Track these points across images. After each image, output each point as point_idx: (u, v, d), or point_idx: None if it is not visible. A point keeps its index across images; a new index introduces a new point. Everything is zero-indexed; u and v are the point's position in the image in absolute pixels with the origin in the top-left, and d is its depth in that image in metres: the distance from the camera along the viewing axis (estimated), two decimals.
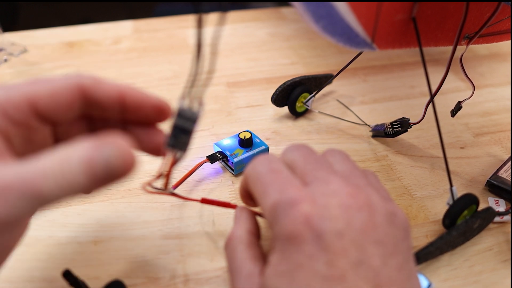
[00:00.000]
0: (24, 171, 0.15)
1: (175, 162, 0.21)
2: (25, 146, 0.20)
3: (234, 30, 0.58)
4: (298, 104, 0.39)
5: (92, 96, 0.20)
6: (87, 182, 0.16)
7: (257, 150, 0.33)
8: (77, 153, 0.16)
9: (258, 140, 0.34)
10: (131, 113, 0.21)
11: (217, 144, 0.34)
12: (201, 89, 0.19)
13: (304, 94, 0.39)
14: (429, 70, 0.27)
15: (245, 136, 0.33)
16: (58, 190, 0.15)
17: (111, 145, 0.16)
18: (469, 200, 0.27)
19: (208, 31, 0.18)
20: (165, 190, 0.23)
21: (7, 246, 0.17)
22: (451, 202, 0.27)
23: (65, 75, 0.20)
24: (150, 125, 0.22)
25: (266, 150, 0.34)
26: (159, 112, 0.22)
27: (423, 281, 0.25)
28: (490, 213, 0.28)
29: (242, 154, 0.33)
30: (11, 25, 0.73)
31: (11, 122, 0.18)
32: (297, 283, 0.18)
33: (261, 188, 0.21)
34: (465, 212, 0.27)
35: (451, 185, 0.28)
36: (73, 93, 0.19)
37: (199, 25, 0.17)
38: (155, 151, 0.23)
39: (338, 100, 0.43)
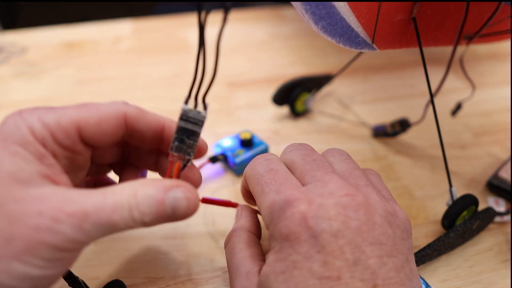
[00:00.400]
0: (101, 202, 0.17)
1: (182, 166, 0.21)
2: (69, 168, 0.20)
3: (234, 30, 0.58)
4: (298, 104, 0.39)
5: (134, 126, 0.21)
6: (154, 219, 0.18)
7: (257, 149, 0.34)
8: (149, 192, 0.18)
9: (258, 140, 0.34)
10: (167, 145, 0.21)
11: (217, 145, 0.34)
12: (205, 90, 0.19)
13: (304, 94, 0.39)
14: (429, 70, 0.27)
15: (245, 137, 0.33)
16: (127, 223, 0.17)
17: (180, 188, 0.18)
18: (468, 201, 0.27)
19: (210, 31, 0.18)
20: None
21: (71, 261, 0.18)
22: (450, 202, 0.27)
23: (111, 103, 0.20)
24: None
25: (266, 149, 0.34)
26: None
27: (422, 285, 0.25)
28: (489, 214, 0.28)
29: (243, 154, 0.33)
30: (11, 25, 0.73)
31: (58, 145, 0.19)
32: (294, 283, 0.18)
33: (259, 187, 0.21)
34: (465, 212, 0.27)
35: (450, 186, 0.28)
36: (118, 122, 0.20)
37: (201, 24, 0.17)
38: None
39: (338, 100, 0.43)
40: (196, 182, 0.23)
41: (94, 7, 0.81)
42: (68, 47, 0.52)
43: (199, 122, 0.20)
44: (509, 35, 0.30)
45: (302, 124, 0.40)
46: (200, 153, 0.23)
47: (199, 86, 0.19)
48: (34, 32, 0.56)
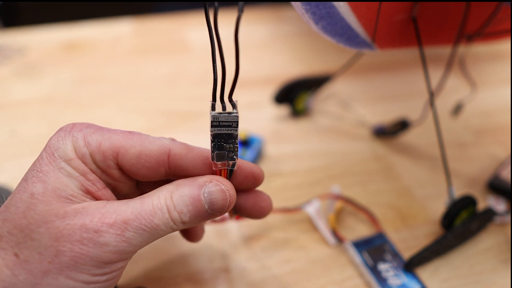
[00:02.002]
0: (139, 207, 0.17)
1: (228, 172, 0.20)
2: (114, 195, 0.20)
3: (234, 30, 0.57)
4: (298, 104, 0.39)
5: (178, 163, 0.20)
6: (192, 217, 0.18)
7: (255, 145, 0.34)
8: (184, 191, 0.18)
9: (251, 136, 0.35)
10: None
11: None
12: (230, 89, 0.18)
13: (304, 94, 0.39)
14: (429, 70, 0.27)
15: (244, 137, 0.34)
16: (168, 225, 0.18)
17: (213, 182, 0.19)
18: (467, 202, 0.27)
19: (221, 30, 0.17)
20: (232, 215, 0.23)
21: (116, 275, 0.18)
22: (449, 203, 0.27)
23: (158, 138, 0.20)
24: (244, 191, 0.22)
25: (260, 143, 0.35)
26: (252, 179, 0.21)
27: (416, 286, 0.25)
28: (488, 214, 0.27)
29: (247, 153, 0.33)
30: (12, 22, 0.73)
31: (96, 166, 0.19)
32: None
33: None
34: (463, 213, 0.27)
35: (449, 186, 0.28)
36: (159, 159, 0.19)
37: (213, 25, 0.17)
38: (254, 214, 0.22)
39: (338, 100, 0.43)
40: (266, 207, 0.22)
41: (94, 5, 0.81)
42: (68, 47, 0.52)
43: (233, 123, 0.18)
44: (509, 35, 0.30)
45: (302, 124, 0.40)
46: (257, 181, 0.21)
47: (222, 87, 0.18)
48: (34, 31, 0.56)
